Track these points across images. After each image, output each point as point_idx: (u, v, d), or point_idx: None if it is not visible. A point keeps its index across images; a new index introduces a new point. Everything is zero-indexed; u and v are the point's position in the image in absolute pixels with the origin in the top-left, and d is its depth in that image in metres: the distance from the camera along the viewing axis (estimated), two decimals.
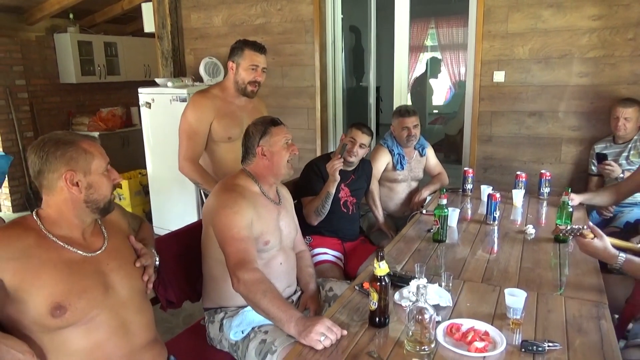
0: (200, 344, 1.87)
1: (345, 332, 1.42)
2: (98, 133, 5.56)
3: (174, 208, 4.26)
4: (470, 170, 2.99)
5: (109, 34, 6.21)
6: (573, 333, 1.44)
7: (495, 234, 2.34)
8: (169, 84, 4.03)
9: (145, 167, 4.44)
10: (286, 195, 2.05)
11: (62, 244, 1.29)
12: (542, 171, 2.83)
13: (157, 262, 1.61)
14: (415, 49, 8.71)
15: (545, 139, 3.45)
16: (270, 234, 1.80)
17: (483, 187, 2.80)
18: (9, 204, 5.29)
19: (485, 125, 3.61)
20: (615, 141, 3.02)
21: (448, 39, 8.43)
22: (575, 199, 2.52)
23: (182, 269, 1.92)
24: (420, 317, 1.34)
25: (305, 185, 2.53)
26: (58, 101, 5.80)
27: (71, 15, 5.68)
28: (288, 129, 1.90)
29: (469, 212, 2.72)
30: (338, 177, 2.38)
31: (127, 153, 5.58)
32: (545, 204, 2.77)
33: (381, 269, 1.47)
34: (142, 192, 4.70)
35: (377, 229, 3.00)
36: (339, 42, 4.22)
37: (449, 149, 6.43)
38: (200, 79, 4.30)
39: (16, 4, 5.18)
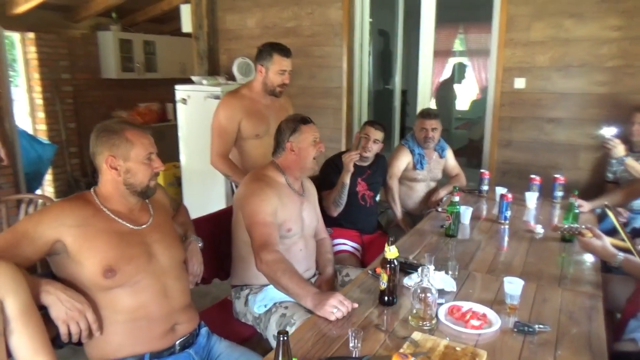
0: (227, 317, 2.07)
1: (356, 306, 1.59)
2: None
3: (205, 199, 4.50)
4: (487, 173, 3.11)
5: (148, 32, 6.51)
6: (564, 320, 1.58)
7: (505, 232, 2.46)
8: (204, 82, 4.27)
9: (178, 160, 4.70)
10: (310, 188, 2.23)
11: (114, 217, 1.51)
12: (556, 175, 2.94)
13: (201, 244, 1.83)
14: (444, 53, 8.78)
15: (563, 146, 3.54)
16: (292, 222, 1.99)
17: (497, 188, 2.92)
18: (52, 190, 5.64)
19: (505, 130, 3.72)
20: (632, 149, 3.08)
21: (476, 44, 8.47)
22: (585, 205, 2.63)
23: (212, 249, 2.11)
24: (423, 295, 1.50)
25: (324, 179, 2.71)
26: (99, 95, 6.13)
27: (114, 14, 6.00)
28: (317, 128, 2.08)
29: (484, 211, 2.84)
30: (352, 168, 2.56)
31: (161, 146, 5.62)
32: (558, 207, 2.88)
33: (391, 252, 1.64)
34: (176, 183, 4.97)
35: (395, 224, 3.16)
36: (366, 45, 4.39)
37: (472, 153, 6.50)
38: (233, 78, 4.53)
39: (64, 3, 5.52)
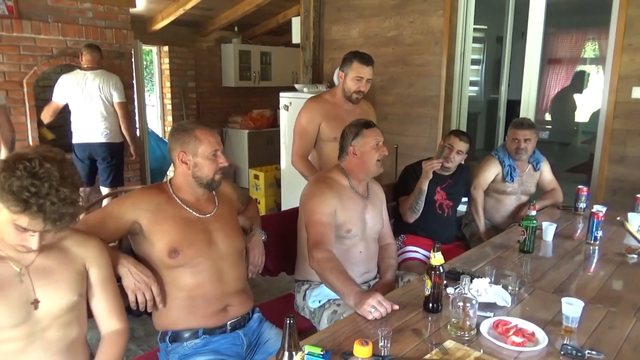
0: (288, 309, 2.19)
1: (396, 307, 1.60)
2: (247, 131, 6.37)
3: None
4: (585, 189, 2.85)
5: (265, 44, 7.01)
6: (627, 350, 1.42)
7: (593, 254, 2.26)
8: (305, 89, 4.49)
9: (279, 163, 4.99)
10: (377, 192, 2.27)
11: (182, 205, 1.71)
12: None
13: (264, 237, 1.98)
14: (571, 60, 8.12)
15: None
16: (352, 223, 2.05)
17: (595, 206, 2.66)
18: None
19: (618, 144, 3.37)
20: None
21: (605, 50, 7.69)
22: None
23: (280, 244, 2.26)
24: (462, 304, 1.47)
25: (403, 185, 2.72)
26: (219, 102, 6.76)
27: (236, 28, 6.58)
28: (380, 132, 2.12)
29: (578, 231, 2.62)
30: (430, 175, 2.54)
31: (269, 150, 6.27)
32: None
33: (436, 259, 1.62)
34: (275, 184, 5.28)
35: (477, 237, 3.03)
36: (469, 53, 4.26)
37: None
38: (333, 86, 4.69)
39: (195, 19, 6.19)
